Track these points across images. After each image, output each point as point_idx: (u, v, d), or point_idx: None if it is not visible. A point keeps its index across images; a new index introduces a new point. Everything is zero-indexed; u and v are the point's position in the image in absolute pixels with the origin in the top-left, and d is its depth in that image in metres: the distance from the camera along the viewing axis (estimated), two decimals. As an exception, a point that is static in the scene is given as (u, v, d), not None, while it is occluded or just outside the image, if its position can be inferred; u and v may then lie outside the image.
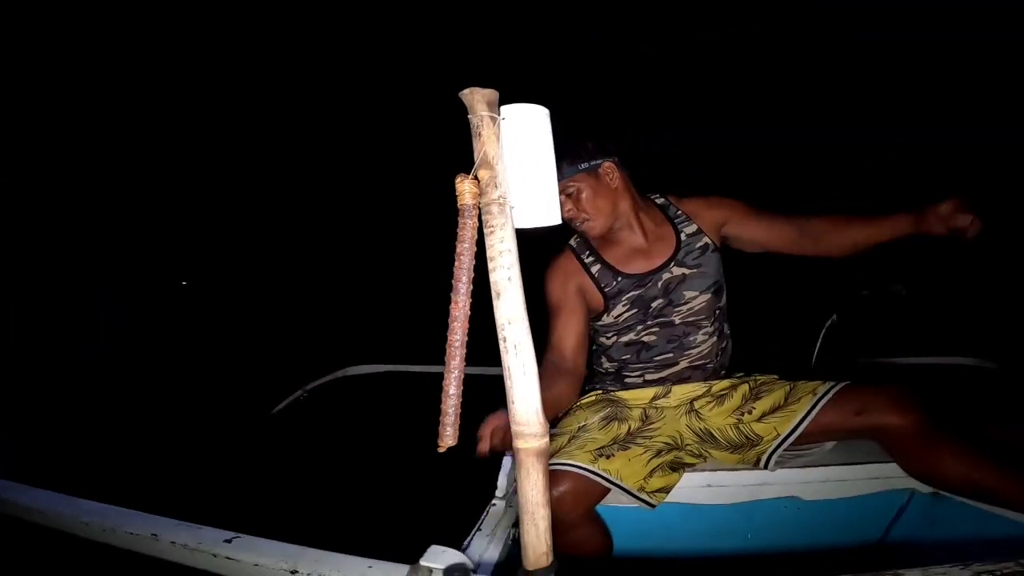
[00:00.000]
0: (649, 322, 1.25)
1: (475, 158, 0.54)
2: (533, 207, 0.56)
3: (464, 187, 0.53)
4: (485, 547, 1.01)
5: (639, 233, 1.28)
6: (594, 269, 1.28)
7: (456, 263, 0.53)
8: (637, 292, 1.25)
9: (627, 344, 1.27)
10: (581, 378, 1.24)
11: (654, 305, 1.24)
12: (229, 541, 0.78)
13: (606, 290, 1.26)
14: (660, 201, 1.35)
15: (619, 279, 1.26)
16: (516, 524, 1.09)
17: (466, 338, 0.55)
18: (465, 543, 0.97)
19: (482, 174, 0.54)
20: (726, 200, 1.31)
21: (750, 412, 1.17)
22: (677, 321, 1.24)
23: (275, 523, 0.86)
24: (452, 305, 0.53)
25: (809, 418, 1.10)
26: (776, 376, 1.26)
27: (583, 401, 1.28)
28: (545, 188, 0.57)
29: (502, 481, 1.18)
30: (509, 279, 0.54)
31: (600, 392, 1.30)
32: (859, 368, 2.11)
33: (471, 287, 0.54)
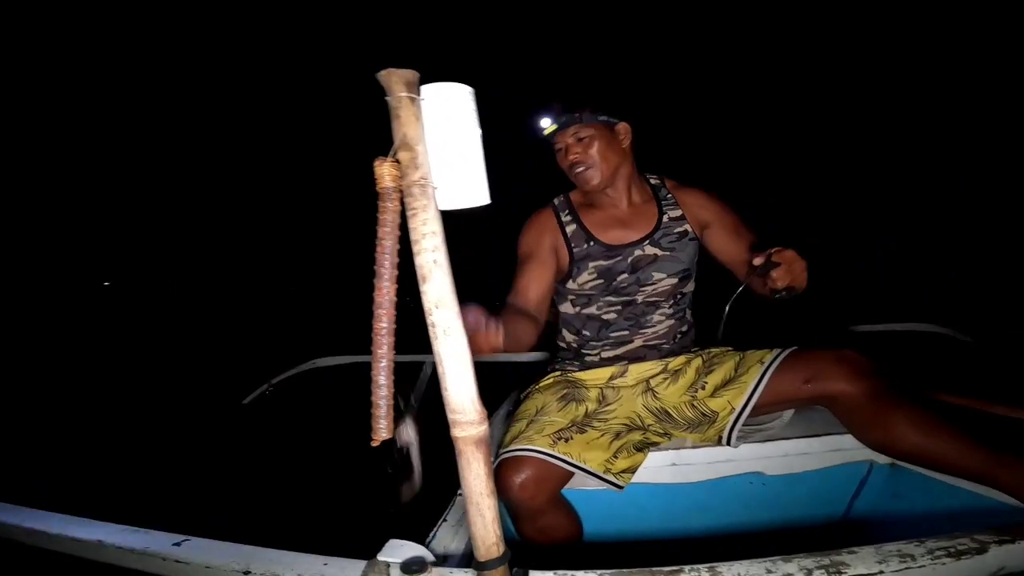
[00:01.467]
0: (611, 297, 1.25)
1: (394, 140, 0.52)
2: (459, 187, 0.55)
3: (383, 170, 0.52)
4: (451, 538, 1.00)
5: (624, 202, 1.29)
6: (569, 229, 1.28)
7: (378, 248, 0.52)
8: (605, 263, 1.25)
9: (589, 318, 1.28)
10: (542, 327, 1.20)
11: (619, 279, 1.24)
12: (178, 544, 0.77)
13: (575, 251, 1.26)
14: (654, 181, 1.35)
15: (590, 243, 1.26)
16: None
17: (394, 325, 0.53)
18: (430, 535, 0.97)
19: (402, 156, 0.52)
20: (725, 206, 1.31)
21: (703, 387, 1.17)
22: (639, 300, 1.25)
23: (238, 520, 0.84)
24: (376, 291, 0.52)
25: (760, 388, 1.10)
26: (729, 348, 1.27)
27: (541, 384, 1.28)
28: (470, 168, 0.56)
29: (466, 470, 1.17)
30: (435, 262, 0.53)
31: (559, 374, 1.30)
32: (824, 337, 2.16)
33: (396, 272, 0.53)
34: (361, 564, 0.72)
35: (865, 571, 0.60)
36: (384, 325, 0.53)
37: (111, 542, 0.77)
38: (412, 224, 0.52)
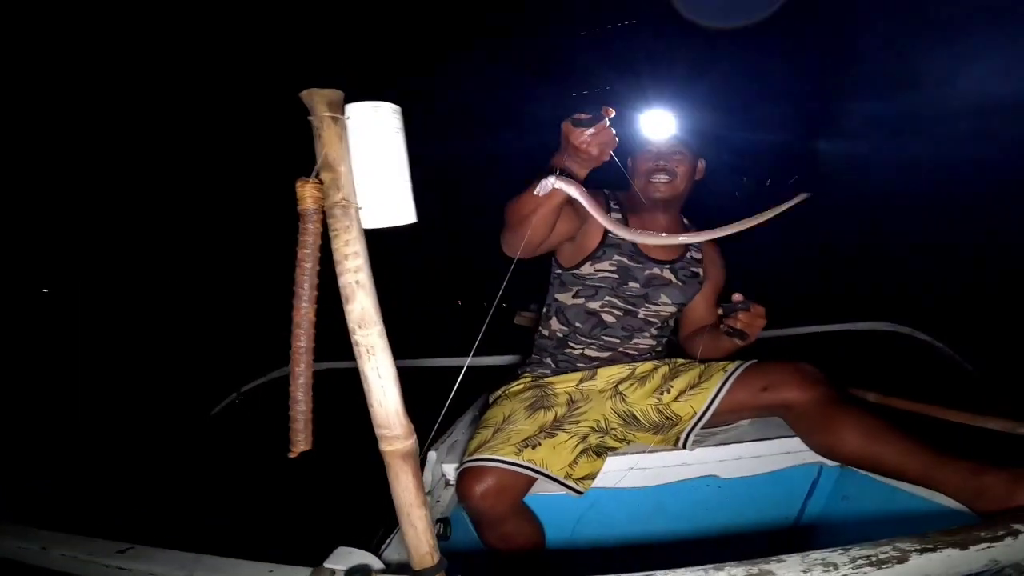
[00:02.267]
0: (617, 300, 1.29)
1: (316, 160, 0.52)
2: (384, 207, 0.56)
3: (305, 191, 0.52)
4: (404, 547, 1.02)
5: (664, 225, 1.36)
6: (614, 215, 1.33)
7: (297, 269, 0.52)
8: (628, 262, 1.29)
9: (588, 313, 1.30)
10: (527, 249, 1.14)
11: (630, 285, 1.29)
12: (123, 552, 0.77)
13: (609, 236, 1.29)
14: (686, 222, 1.45)
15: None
16: (439, 520, 1.10)
17: (312, 344, 0.54)
18: (385, 543, 0.98)
19: (324, 176, 0.52)
20: (724, 271, 1.45)
21: (668, 391, 1.20)
22: (640, 314, 1.30)
23: (194, 530, 0.85)
24: (295, 311, 0.53)
25: (720, 395, 1.14)
26: (695, 360, 1.29)
27: (511, 389, 1.30)
28: (396, 187, 0.56)
29: (427, 476, 1.19)
30: (357, 282, 0.53)
31: (529, 378, 1.32)
32: (788, 338, 2.20)
33: (315, 293, 0.53)
34: (307, 571, 0.73)
35: None
36: (302, 344, 0.53)
37: (56, 550, 0.77)
38: (334, 245, 0.53)
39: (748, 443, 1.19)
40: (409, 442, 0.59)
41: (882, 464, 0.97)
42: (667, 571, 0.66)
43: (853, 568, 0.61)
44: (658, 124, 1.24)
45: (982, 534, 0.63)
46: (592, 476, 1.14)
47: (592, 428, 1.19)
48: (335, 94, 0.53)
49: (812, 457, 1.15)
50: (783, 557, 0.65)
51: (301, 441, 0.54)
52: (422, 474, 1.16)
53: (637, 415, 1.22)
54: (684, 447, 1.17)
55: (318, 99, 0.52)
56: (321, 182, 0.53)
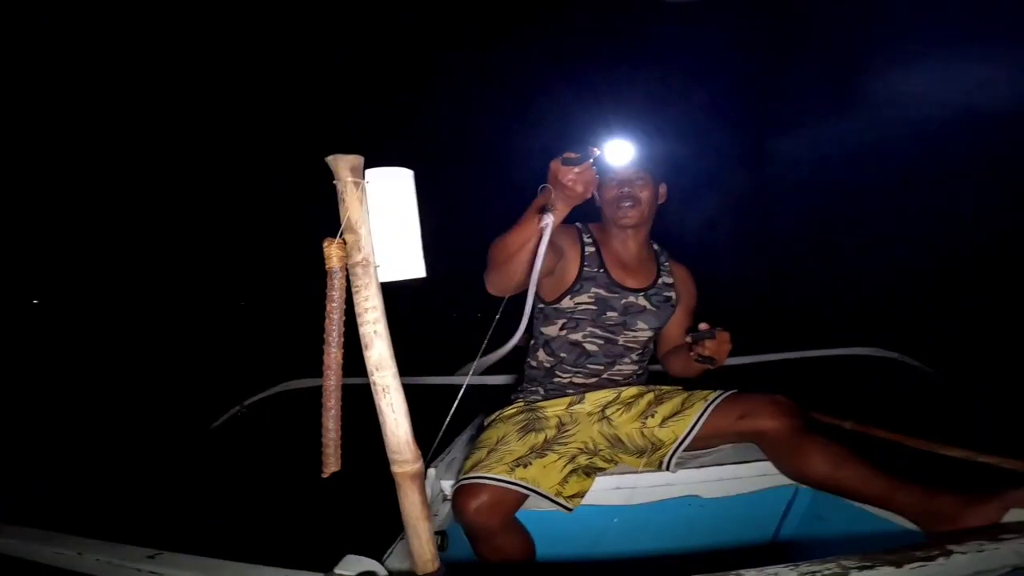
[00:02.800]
0: (597, 329, 1.36)
1: (341, 221, 0.61)
2: (399, 263, 0.64)
3: (332, 251, 0.60)
4: (406, 555, 1.09)
5: (634, 251, 1.43)
6: (588, 249, 1.41)
7: (327, 320, 0.60)
8: (604, 294, 1.36)
9: (572, 344, 1.38)
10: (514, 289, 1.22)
11: (609, 315, 1.36)
12: (152, 557, 0.85)
13: (585, 269, 1.37)
14: (655, 247, 1.52)
15: (600, 270, 1.38)
16: (438, 532, 1.17)
17: (340, 382, 0.62)
18: (388, 552, 1.05)
19: (348, 237, 0.61)
20: (696, 293, 1.52)
21: (653, 416, 1.28)
22: (620, 341, 1.38)
23: (207, 539, 0.92)
24: (325, 355, 0.61)
25: (701, 421, 1.22)
26: (680, 386, 1.38)
27: (505, 414, 1.38)
28: (409, 245, 0.64)
29: (426, 493, 1.26)
30: (375, 332, 0.61)
31: (522, 403, 1.40)
32: (762, 364, 2.29)
33: (342, 340, 0.61)
34: None
35: None
36: (332, 383, 0.62)
37: (91, 555, 0.85)
38: (356, 299, 0.61)
39: (728, 465, 1.27)
40: (417, 465, 0.67)
41: (845, 488, 1.05)
42: None
43: None
44: (621, 152, 1.29)
45: (918, 553, 0.69)
46: (581, 494, 1.22)
47: (580, 449, 1.27)
48: (356, 160, 0.61)
49: (788, 479, 1.23)
50: (742, 572, 0.72)
51: (332, 463, 0.63)
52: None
53: (622, 438, 1.30)
54: (668, 469, 1.25)
55: (342, 164, 0.60)
56: (344, 242, 0.61)
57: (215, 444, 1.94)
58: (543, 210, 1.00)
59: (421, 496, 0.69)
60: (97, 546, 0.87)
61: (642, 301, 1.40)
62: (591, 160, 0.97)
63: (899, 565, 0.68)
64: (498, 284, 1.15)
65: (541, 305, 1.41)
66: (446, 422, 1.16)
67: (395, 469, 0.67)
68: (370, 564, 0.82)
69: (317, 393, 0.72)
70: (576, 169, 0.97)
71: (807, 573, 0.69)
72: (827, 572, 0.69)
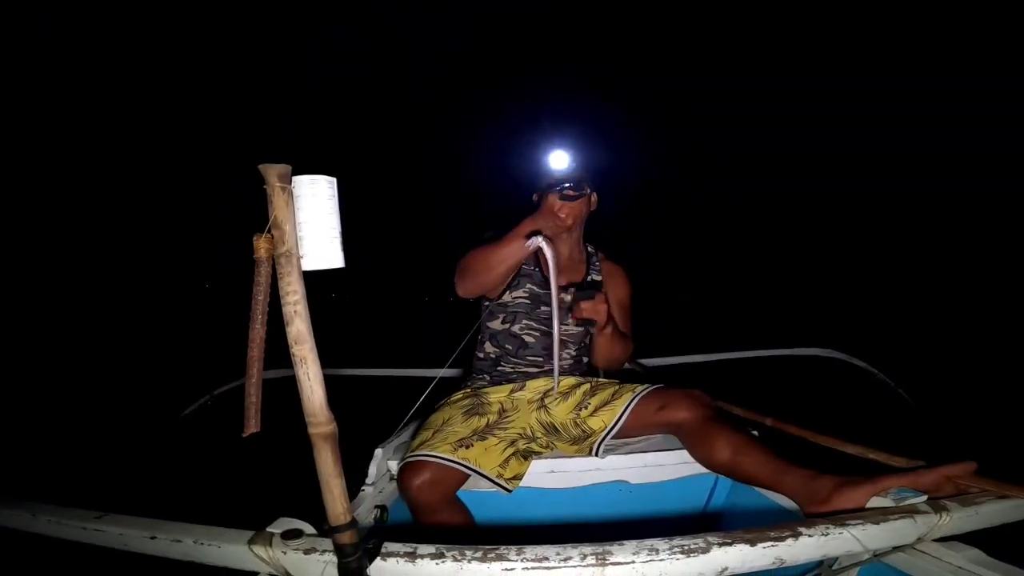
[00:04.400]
0: (532, 322, 1.48)
1: (269, 219, 0.70)
2: (319, 255, 0.74)
3: (259, 244, 0.69)
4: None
5: (567, 252, 1.56)
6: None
7: (252, 301, 0.70)
8: (538, 289, 1.49)
9: (512, 335, 1.48)
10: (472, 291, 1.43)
11: (542, 309, 1.48)
12: (98, 518, 0.93)
13: (523, 268, 1.51)
14: (590, 249, 1.65)
15: (535, 269, 1.52)
16: (379, 507, 1.26)
17: (262, 355, 0.71)
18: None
19: (275, 232, 0.70)
20: (630, 292, 1.62)
21: (586, 407, 1.38)
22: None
23: (160, 506, 1.00)
24: (250, 331, 0.70)
25: (627, 412, 1.33)
26: (616, 380, 1.48)
27: (451, 399, 1.47)
28: (328, 240, 0.74)
29: (372, 470, 1.35)
30: (296, 312, 0.70)
31: (468, 390, 1.49)
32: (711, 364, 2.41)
33: (264, 319, 0.71)
34: (250, 533, 0.89)
35: (623, 560, 0.75)
36: (255, 355, 0.71)
37: (43, 516, 0.93)
38: (280, 284, 0.70)
39: (652, 453, 1.38)
40: (330, 427, 0.75)
41: (744, 472, 1.16)
42: (535, 547, 0.82)
43: (669, 554, 0.75)
44: (560, 162, 1.43)
45: (771, 534, 0.77)
46: (519, 477, 1.32)
47: (519, 435, 1.37)
48: (284, 168, 0.70)
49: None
50: (624, 542, 0.80)
51: (252, 425, 0.71)
52: (368, 467, 1.33)
53: (557, 427, 1.40)
54: (596, 455, 1.35)
55: (271, 172, 0.70)
56: (272, 236, 0.70)
57: (184, 431, 2.00)
58: (532, 234, 1.18)
59: (334, 455, 0.76)
60: (49, 509, 0.95)
61: (568, 298, 1.47)
62: (586, 194, 1.17)
63: (753, 544, 0.76)
64: (470, 289, 1.35)
65: (487, 303, 1.51)
66: (413, 410, 1.26)
67: (311, 430, 0.75)
68: (299, 523, 0.90)
69: (286, 383, 0.80)
70: (572, 204, 1.17)
71: (678, 547, 0.77)
72: (693, 546, 0.77)
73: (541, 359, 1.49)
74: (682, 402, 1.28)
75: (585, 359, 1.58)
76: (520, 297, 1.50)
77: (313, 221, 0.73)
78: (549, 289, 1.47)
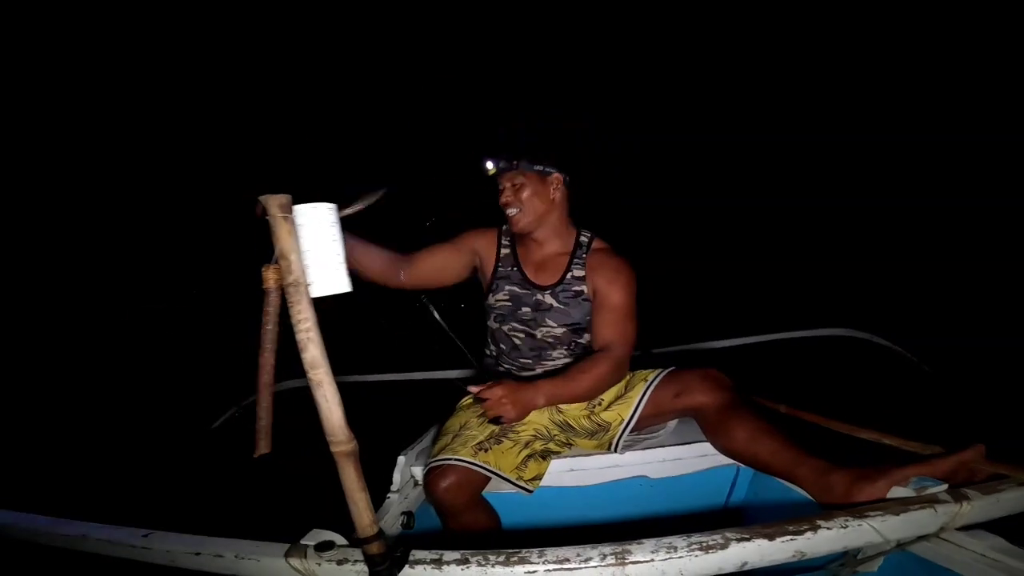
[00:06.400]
0: (517, 324, 1.43)
1: (275, 250, 0.73)
2: (325, 281, 0.76)
3: (268, 275, 0.73)
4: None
5: (543, 248, 1.45)
6: (503, 251, 1.48)
7: (262, 330, 0.73)
8: (518, 291, 1.43)
9: (503, 335, 1.46)
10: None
11: (523, 311, 1.43)
12: (146, 536, 0.98)
13: (500, 269, 1.45)
14: (583, 239, 1.47)
15: (514, 269, 1.45)
16: (405, 513, 1.30)
17: (272, 380, 0.75)
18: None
19: (281, 263, 0.73)
20: (622, 289, 1.38)
21: (600, 403, 1.38)
22: (538, 336, 1.44)
23: (200, 522, 1.05)
24: (260, 358, 0.74)
25: (643, 402, 1.30)
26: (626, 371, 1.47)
27: (464, 403, 1.49)
28: (333, 266, 0.77)
29: (397, 477, 1.39)
30: (309, 338, 0.73)
31: None
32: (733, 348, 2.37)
33: (275, 347, 0.74)
34: (286, 546, 0.93)
35: (642, 558, 0.76)
36: (266, 380, 0.74)
37: (93, 535, 0.99)
38: (291, 313, 0.73)
39: (671, 447, 1.38)
40: (351, 445, 0.77)
41: (759, 461, 1.13)
42: (556, 548, 0.84)
43: (688, 551, 0.76)
44: (482, 163, 1.35)
45: (790, 528, 0.77)
46: (539, 477, 1.33)
47: (534, 436, 1.38)
48: (284, 198, 0.73)
49: (728, 459, 1.33)
50: (642, 540, 0.81)
51: (262, 446, 0.75)
52: (393, 474, 1.37)
53: (571, 423, 1.41)
54: (616, 451, 1.36)
55: (272, 203, 0.72)
56: (279, 266, 0.74)
57: (215, 443, 2.08)
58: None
59: (356, 471, 0.79)
60: (98, 529, 1.01)
61: (548, 299, 1.42)
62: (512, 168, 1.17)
63: (771, 538, 0.76)
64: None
65: (484, 302, 1.51)
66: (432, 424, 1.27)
67: (333, 449, 0.78)
68: (331, 535, 0.94)
69: (308, 393, 0.83)
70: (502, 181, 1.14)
71: (696, 543, 0.78)
72: (712, 543, 0.77)
73: (530, 361, 1.44)
74: (700, 385, 1.23)
75: (584, 342, 1.45)
76: (502, 300, 1.43)
77: (317, 249, 0.75)
78: (529, 290, 1.43)
